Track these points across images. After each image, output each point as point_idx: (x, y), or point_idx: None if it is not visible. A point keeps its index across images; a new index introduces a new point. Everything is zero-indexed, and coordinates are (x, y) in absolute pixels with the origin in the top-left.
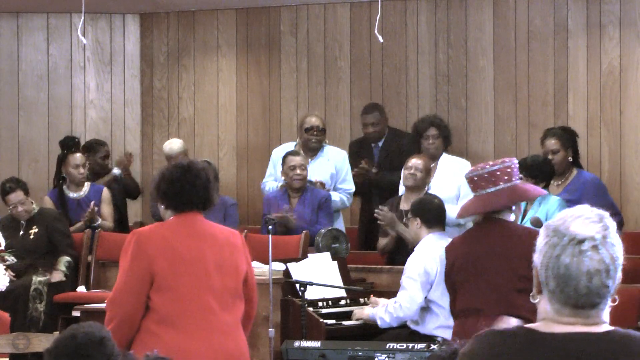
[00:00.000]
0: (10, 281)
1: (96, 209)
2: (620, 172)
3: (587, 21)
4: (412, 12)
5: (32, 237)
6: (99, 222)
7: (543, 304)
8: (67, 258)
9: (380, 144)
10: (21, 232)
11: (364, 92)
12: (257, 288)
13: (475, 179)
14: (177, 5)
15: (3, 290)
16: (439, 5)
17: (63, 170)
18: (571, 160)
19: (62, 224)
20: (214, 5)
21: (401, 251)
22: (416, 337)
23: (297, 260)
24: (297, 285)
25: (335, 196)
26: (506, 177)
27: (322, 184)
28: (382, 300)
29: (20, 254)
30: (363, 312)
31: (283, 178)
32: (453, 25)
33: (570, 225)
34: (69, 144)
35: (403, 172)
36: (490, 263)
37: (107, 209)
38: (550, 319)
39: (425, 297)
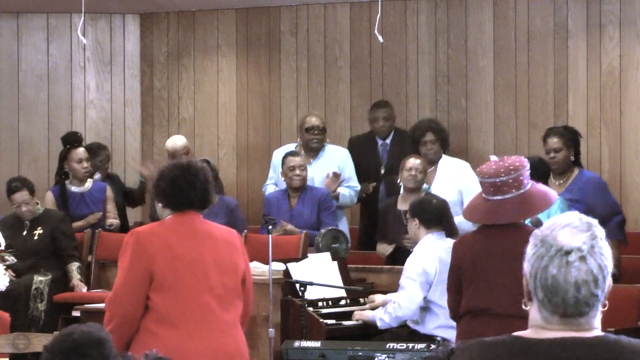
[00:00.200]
0: (11, 281)
1: (100, 214)
2: (620, 172)
3: (587, 21)
4: (412, 12)
5: (35, 237)
6: (111, 223)
7: (533, 311)
8: (77, 264)
9: (388, 141)
10: (24, 232)
11: (364, 92)
12: (257, 288)
13: (486, 184)
14: (177, 5)
15: (3, 290)
16: (439, 5)
17: (65, 165)
18: (573, 159)
19: (67, 226)
20: (214, 5)
21: (401, 251)
22: (416, 337)
23: (297, 260)
24: (297, 285)
25: (345, 190)
26: (516, 184)
27: (337, 175)
28: (378, 297)
29: (22, 255)
30: (363, 314)
31: (283, 179)
32: (453, 25)
33: (557, 235)
34: (71, 139)
35: (402, 174)
36: (502, 263)
37: (112, 207)
38: (539, 326)
39: (425, 297)
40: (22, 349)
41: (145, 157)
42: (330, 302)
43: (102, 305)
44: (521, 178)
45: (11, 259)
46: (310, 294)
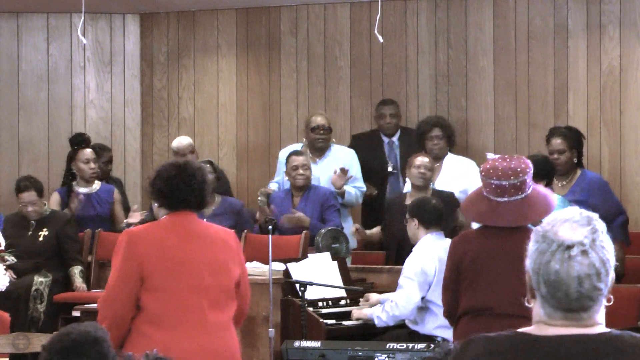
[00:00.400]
0: (11, 281)
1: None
2: (620, 172)
3: (587, 21)
4: (412, 12)
5: (40, 239)
6: (125, 224)
7: (536, 307)
8: (80, 267)
9: (394, 139)
10: (30, 232)
11: (364, 92)
12: (257, 288)
13: (493, 185)
14: (177, 5)
15: (3, 290)
16: (439, 5)
17: (73, 166)
18: (575, 161)
19: (72, 229)
20: (214, 5)
21: (401, 252)
22: (416, 337)
23: (297, 260)
24: (297, 285)
25: (351, 189)
26: (522, 187)
27: (345, 171)
28: (372, 296)
29: (26, 254)
30: (361, 312)
31: (287, 178)
32: (453, 25)
33: (558, 231)
34: (78, 140)
35: (410, 171)
36: (504, 264)
37: (120, 210)
38: (543, 322)
39: (424, 298)
40: (22, 349)
41: (145, 157)
42: (330, 302)
43: None
44: (527, 181)
45: (11, 259)
46: (310, 294)
